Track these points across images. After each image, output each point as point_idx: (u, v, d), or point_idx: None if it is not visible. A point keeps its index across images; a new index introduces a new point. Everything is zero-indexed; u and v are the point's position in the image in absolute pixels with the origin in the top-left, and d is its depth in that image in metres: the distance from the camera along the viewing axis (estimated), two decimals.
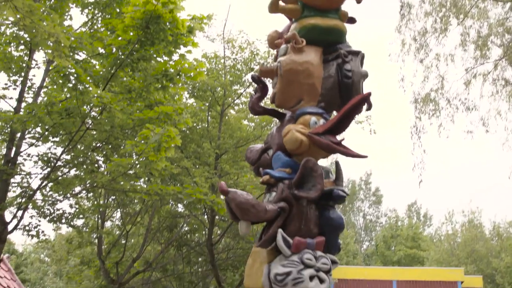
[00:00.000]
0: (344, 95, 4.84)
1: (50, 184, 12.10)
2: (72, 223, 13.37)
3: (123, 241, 16.84)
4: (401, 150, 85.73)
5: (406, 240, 51.89)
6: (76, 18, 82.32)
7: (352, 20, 5.21)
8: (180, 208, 17.75)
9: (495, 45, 16.76)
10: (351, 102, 4.57)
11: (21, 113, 11.30)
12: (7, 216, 11.68)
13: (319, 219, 4.62)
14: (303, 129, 4.67)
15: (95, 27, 12.86)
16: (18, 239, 74.76)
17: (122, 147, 12.17)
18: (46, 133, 11.53)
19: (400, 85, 17.76)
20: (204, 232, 18.46)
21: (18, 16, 7.33)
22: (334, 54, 4.93)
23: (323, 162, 5.37)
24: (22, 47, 11.93)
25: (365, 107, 5.03)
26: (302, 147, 4.64)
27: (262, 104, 5.37)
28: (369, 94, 4.58)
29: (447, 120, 17.45)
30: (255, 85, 5.40)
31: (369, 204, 65.36)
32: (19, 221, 11.84)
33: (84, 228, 15.91)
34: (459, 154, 75.86)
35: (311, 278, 4.29)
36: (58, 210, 12.85)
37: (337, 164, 4.89)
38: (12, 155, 11.76)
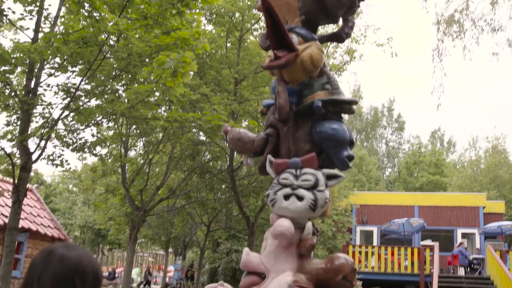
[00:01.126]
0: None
1: (71, 114, 12.22)
2: (94, 151, 13.56)
3: (147, 170, 17.08)
4: (425, 75, 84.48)
5: (429, 166, 51.87)
6: None
7: None
8: (202, 136, 17.83)
9: None
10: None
11: (38, 43, 11.26)
12: (31, 146, 11.92)
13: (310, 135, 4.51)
14: (271, 52, 4.54)
15: None
16: (46, 170, 76.58)
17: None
18: (65, 62, 11.52)
19: (423, 5, 17.12)
20: (225, 159, 18.61)
21: None
22: None
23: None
24: None
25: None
26: (275, 71, 4.55)
27: None
28: None
29: (471, 42, 16.90)
30: None
31: (392, 131, 65.12)
32: (42, 151, 12.07)
33: (108, 158, 16.12)
34: (483, 78, 74.48)
35: (286, 197, 4.26)
36: (80, 139, 13.03)
37: (326, 73, 4.72)
38: (32, 86, 11.84)
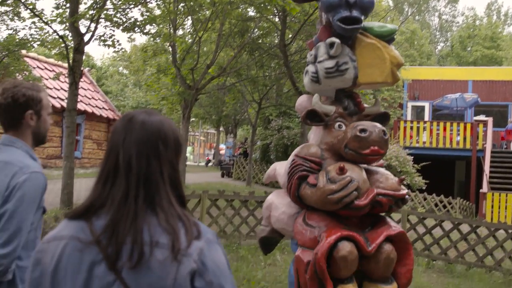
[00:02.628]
0: None
1: None
2: (145, 30, 13.51)
3: (195, 48, 16.95)
4: None
5: (484, 40, 49.92)
6: None
7: None
8: (251, 11, 17.42)
9: None
10: None
11: None
12: (82, 29, 11.98)
13: None
14: None
15: None
16: (96, 54, 77.33)
17: None
18: None
19: None
20: (276, 35, 18.28)
21: None
22: None
23: None
24: None
25: None
26: None
27: None
28: None
29: None
30: None
31: (445, 3, 62.13)
32: (93, 32, 12.13)
33: (157, 38, 16.04)
34: None
35: (305, 74, 4.52)
36: (129, 19, 12.94)
37: None
38: None
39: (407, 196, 4.13)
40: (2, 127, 2.63)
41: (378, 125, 4.13)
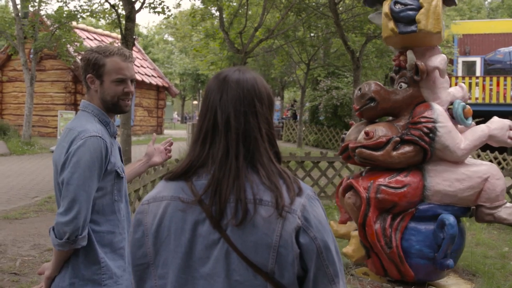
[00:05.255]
0: None
1: None
2: None
3: (241, 12, 16.83)
4: None
5: None
6: None
7: None
8: None
9: None
10: None
11: None
12: None
13: None
14: None
15: None
16: (141, 22, 77.47)
17: None
18: None
19: None
20: None
21: None
22: None
23: None
24: None
25: None
26: None
27: None
28: None
29: None
30: None
31: None
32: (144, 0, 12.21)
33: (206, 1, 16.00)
34: None
35: None
36: None
37: None
38: None
39: (357, 149, 4.66)
40: None
41: (367, 84, 4.82)
